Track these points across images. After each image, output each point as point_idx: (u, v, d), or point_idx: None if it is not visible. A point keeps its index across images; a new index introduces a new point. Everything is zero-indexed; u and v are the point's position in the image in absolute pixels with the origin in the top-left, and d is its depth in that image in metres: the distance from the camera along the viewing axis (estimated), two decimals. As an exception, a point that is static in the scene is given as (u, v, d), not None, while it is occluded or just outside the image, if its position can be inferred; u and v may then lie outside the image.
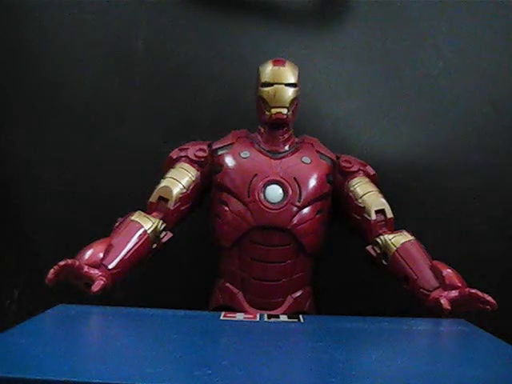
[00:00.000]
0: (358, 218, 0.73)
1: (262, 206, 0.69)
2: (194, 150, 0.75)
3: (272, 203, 0.69)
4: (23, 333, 0.48)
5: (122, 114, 0.90)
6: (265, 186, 0.70)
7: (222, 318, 0.58)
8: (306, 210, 0.70)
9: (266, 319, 0.59)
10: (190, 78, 0.89)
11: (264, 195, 0.70)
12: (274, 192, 0.70)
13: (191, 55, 0.89)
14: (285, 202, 0.69)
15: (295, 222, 0.70)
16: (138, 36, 0.89)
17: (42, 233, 0.91)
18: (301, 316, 0.60)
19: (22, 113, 0.92)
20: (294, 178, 0.70)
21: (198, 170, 0.74)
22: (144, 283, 0.85)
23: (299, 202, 0.70)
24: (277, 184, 0.70)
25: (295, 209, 0.70)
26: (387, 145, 0.87)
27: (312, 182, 0.71)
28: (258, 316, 0.60)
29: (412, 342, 0.54)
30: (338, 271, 0.85)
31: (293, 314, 0.65)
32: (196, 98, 0.88)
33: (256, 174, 0.70)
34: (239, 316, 0.60)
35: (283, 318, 0.60)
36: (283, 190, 0.70)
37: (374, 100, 0.89)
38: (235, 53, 0.89)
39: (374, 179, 0.76)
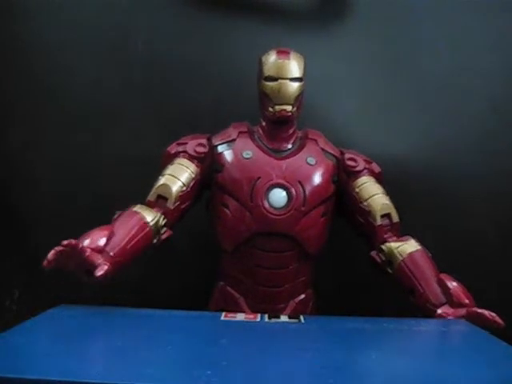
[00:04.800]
0: (363, 221, 0.71)
1: (265, 212, 0.66)
2: (193, 145, 0.71)
3: (276, 208, 0.66)
4: (23, 333, 0.48)
5: (122, 114, 0.90)
6: (268, 189, 0.67)
7: (222, 318, 0.58)
8: (310, 215, 0.68)
9: (266, 319, 0.59)
10: (190, 79, 0.89)
11: (267, 200, 0.66)
12: (278, 196, 0.67)
13: (191, 55, 0.89)
14: (289, 208, 0.66)
15: (300, 228, 0.67)
16: (137, 36, 0.89)
17: (41, 233, 0.91)
18: (301, 316, 0.60)
19: (21, 113, 0.91)
20: (299, 182, 0.67)
21: (197, 167, 0.70)
22: (144, 283, 0.85)
23: (304, 206, 0.67)
24: (281, 187, 0.67)
25: (300, 214, 0.67)
26: (387, 145, 0.87)
27: (317, 186, 0.68)
28: (258, 316, 0.60)
29: (412, 342, 0.53)
30: (338, 271, 0.85)
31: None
32: (196, 98, 0.88)
33: (259, 177, 0.67)
34: (240, 316, 0.59)
35: (284, 318, 0.60)
36: (287, 194, 0.67)
37: (373, 100, 0.89)
38: (235, 53, 0.89)
39: (379, 177, 0.74)
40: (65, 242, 0.55)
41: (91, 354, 0.45)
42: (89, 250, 0.56)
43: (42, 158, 0.91)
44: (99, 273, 0.55)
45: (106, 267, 0.56)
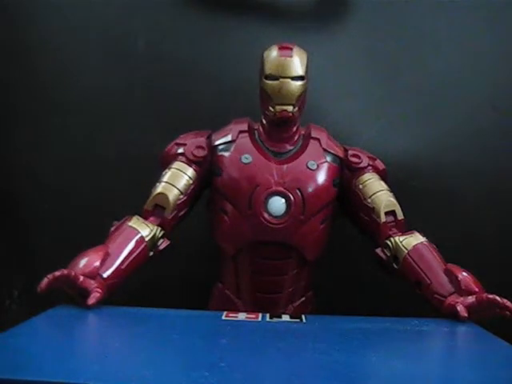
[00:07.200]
0: (367, 218, 0.69)
1: (263, 221, 0.65)
2: (191, 147, 0.69)
3: (274, 216, 0.65)
4: (23, 333, 0.48)
5: (122, 114, 0.89)
6: (267, 197, 0.65)
7: (223, 317, 0.58)
8: (310, 223, 0.66)
9: (267, 319, 0.58)
10: (190, 78, 0.88)
11: (266, 208, 0.65)
12: (277, 203, 0.65)
13: (191, 55, 0.89)
14: (288, 216, 0.65)
15: (299, 236, 0.66)
16: (138, 36, 0.89)
17: (42, 233, 0.91)
18: (303, 316, 0.60)
19: (22, 114, 0.91)
20: (298, 189, 0.65)
21: (195, 170, 0.69)
22: (144, 283, 0.85)
23: (303, 214, 0.65)
24: (279, 195, 0.65)
25: (298, 223, 0.66)
26: (387, 145, 0.87)
27: (317, 192, 0.66)
28: (259, 316, 0.60)
29: (415, 342, 0.53)
30: (338, 271, 0.85)
31: (295, 314, 0.64)
32: (197, 97, 0.88)
33: (258, 185, 0.65)
34: (241, 316, 0.59)
35: (285, 317, 0.59)
36: (286, 201, 0.65)
37: (373, 100, 0.89)
38: (235, 52, 0.88)
39: (383, 174, 0.72)
40: (56, 273, 0.55)
41: (90, 354, 0.45)
42: (81, 277, 0.57)
43: (43, 158, 0.91)
44: (91, 301, 0.56)
45: (98, 295, 0.56)
